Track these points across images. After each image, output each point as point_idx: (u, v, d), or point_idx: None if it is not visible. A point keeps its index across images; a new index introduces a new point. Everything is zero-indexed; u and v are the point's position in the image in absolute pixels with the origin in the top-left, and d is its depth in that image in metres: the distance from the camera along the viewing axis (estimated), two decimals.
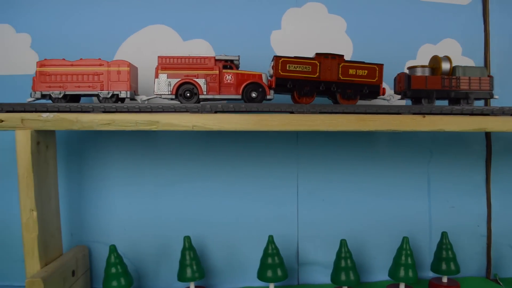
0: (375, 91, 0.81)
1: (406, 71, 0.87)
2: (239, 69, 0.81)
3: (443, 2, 0.95)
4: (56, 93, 0.78)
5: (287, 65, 0.78)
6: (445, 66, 0.83)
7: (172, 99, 0.79)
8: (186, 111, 0.76)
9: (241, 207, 0.94)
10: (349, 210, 0.94)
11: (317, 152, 0.94)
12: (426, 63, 0.88)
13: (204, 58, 0.79)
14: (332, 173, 0.94)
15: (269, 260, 0.85)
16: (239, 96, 0.79)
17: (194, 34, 0.92)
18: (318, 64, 0.79)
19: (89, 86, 0.79)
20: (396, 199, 0.95)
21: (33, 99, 0.79)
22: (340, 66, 0.79)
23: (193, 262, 0.86)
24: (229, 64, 0.80)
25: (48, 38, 0.91)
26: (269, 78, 0.81)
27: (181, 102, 0.78)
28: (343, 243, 0.86)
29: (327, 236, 0.94)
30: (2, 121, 0.74)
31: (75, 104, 0.76)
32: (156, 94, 0.78)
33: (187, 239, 0.87)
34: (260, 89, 0.79)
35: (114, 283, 0.83)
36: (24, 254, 0.76)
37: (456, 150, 0.97)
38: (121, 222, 0.93)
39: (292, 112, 0.77)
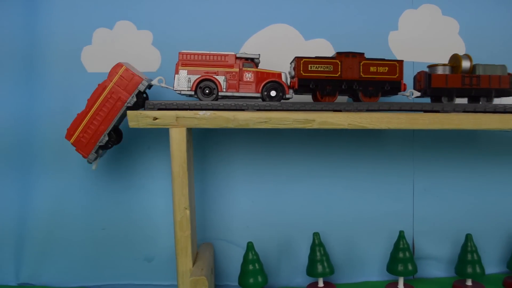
0: (396, 87, 0.81)
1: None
2: (259, 67, 0.81)
3: None
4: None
5: (309, 65, 0.78)
6: (465, 64, 0.83)
7: (191, 95, 0.79)
8: (340, 110, 0.78)
9: (359, 203, 0.95)
10: (462, 206, 0.97)
11: (432, 150, 0.96)
12: None
13: (225, 55, 0.79)
14: (447, 170, 0.96)
15: (400, 255, 0.88)
16: (258, 95, 0.79)
17: (316, 33, 0.93)
18: (339, 63, 0.79)
19: (113, 109, 0.78)
20: (507, 195, 0.99)
21: None
22: (361, 64, 0.80)
23: (324, 258, 0.88)
24: (250, 62, 0.80)
25: (170, 35, 0.91)
26: (290, 79, 0.81)
27: (199, 99, 0.78)
28: (469, 237, 0.89)
29: (441, 231, 0.97)
30: (156, 118, 0.74)
31: (229, 102, 0.76)
32: (176, 90, 0.78)
33: (316, 235, 0.89)
34: (280, 88, 0.79)
35: (251, 280, 0.84)
36: (176, 252, 0.76)
37: None
38: (244, 219, 0.94)
39: (437, 111, 0.80)
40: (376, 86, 0.80)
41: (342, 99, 0.93)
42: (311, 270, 0.88)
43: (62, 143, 0.90)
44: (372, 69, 0.80)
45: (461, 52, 0.96)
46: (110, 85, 0.78)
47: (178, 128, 0.75)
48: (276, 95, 0.79)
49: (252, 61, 0.80)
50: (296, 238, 0.94)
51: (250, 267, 0.84)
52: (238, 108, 0.76)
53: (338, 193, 0.95)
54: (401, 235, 0.88)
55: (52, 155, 0.91)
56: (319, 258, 0.88)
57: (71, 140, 0.79)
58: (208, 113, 0.75)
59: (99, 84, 0.78)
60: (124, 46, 0.90)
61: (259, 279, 0.84)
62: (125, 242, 0.93)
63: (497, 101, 0.88)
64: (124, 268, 0.93)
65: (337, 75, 0.79)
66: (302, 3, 0.93)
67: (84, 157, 0.79)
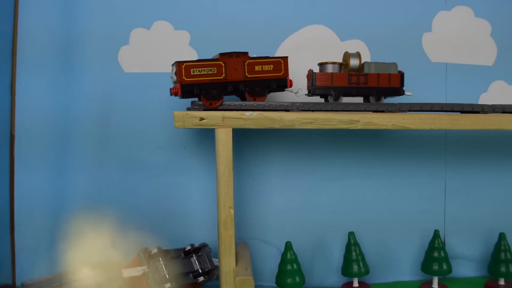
0: (282, 85, 0.81)
1: None
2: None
3: None
4: None
5: (191, 69, 0.75)
6: (354, 62, 0.81)
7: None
8: (383, 111, 0.79)
9: (391, 203, 0.97)
10: (493, 205, 0.99)
11: (465, 149, 0.98)
12: None
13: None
14: (479, 169, 0.98)
15: (435, 254, 0.89)
16: None
17: (351, 35, 0.94)
18: (223, 64, 0.76)
19: None
20: None
21: None
22: (246, 63, 0.78)
23: (359, 257, 0.89)
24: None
25: (207, 36, 0.91)
26: (173, 83, 0.77)
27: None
28: (502, 236, 0.91)
29: (472, 231, 0.98)
30: (203, 119, 0.75)
31: (274, 103, 0.77)
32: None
33: (352, 235, 0.89)
34: None
35: (289, 280, 0.84)
36: (219, 252, 0.76)
37: None
38: (278, 219, 0.94)
39: (477, 112, 0.81)
40: (262, 85, 0.79)
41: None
42: (346, 270, 0.89)
43: (98, 141, 0.91)
44: (257, 68, 0.78)
45: (493, 53, 0.98)
46: None
47: (224, 128, 0.75)
48: None
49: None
50: (330, 238, 0.95)
51: (288, 267, 0.85)
52: (283, 108, 0.77)
53: (371, 193, 0.96)
54: (436, 234, 0.89)
55: (88, 153, 0.91)
56: (354, 257, 0.88)
57: None
58: (255, 113, 0.75)
59: None
60: (161, 47, 0.90)
61: (297, 279, 0.85)
62: (159, 240, 0.93)
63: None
64: None
65: (221, 77, 0.76)
66: (338, 4, 0.94)
67: None
